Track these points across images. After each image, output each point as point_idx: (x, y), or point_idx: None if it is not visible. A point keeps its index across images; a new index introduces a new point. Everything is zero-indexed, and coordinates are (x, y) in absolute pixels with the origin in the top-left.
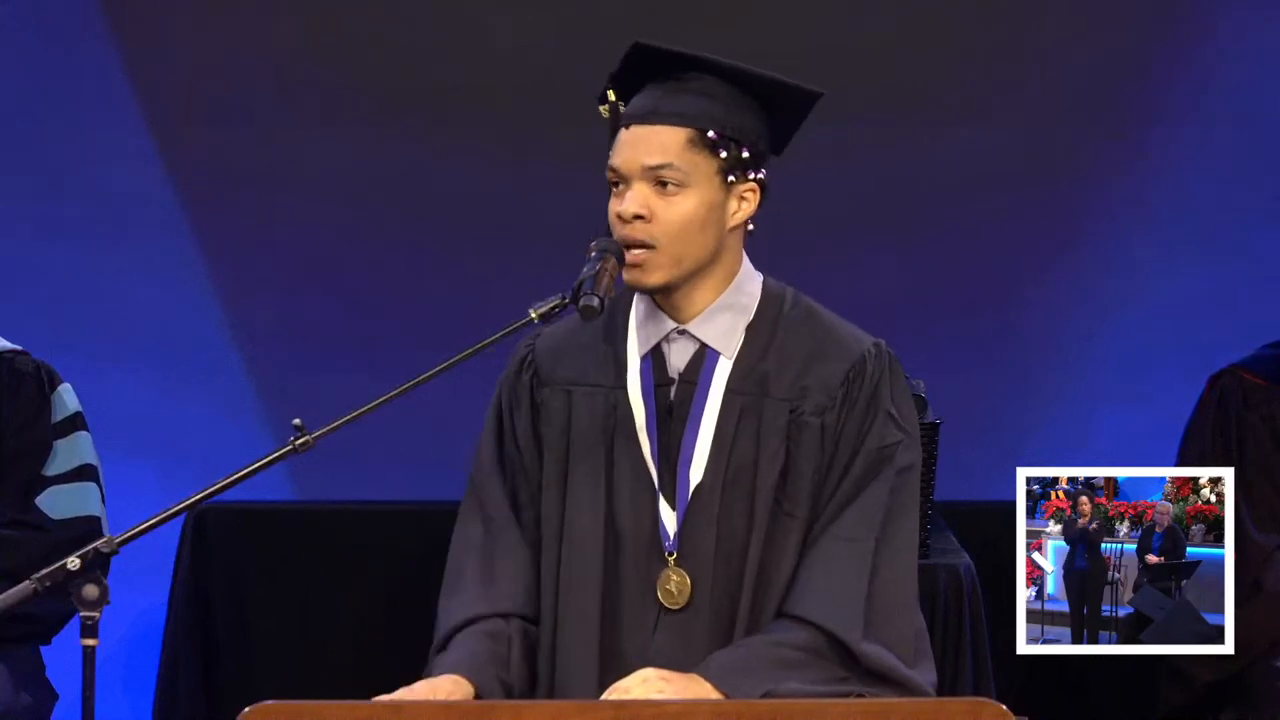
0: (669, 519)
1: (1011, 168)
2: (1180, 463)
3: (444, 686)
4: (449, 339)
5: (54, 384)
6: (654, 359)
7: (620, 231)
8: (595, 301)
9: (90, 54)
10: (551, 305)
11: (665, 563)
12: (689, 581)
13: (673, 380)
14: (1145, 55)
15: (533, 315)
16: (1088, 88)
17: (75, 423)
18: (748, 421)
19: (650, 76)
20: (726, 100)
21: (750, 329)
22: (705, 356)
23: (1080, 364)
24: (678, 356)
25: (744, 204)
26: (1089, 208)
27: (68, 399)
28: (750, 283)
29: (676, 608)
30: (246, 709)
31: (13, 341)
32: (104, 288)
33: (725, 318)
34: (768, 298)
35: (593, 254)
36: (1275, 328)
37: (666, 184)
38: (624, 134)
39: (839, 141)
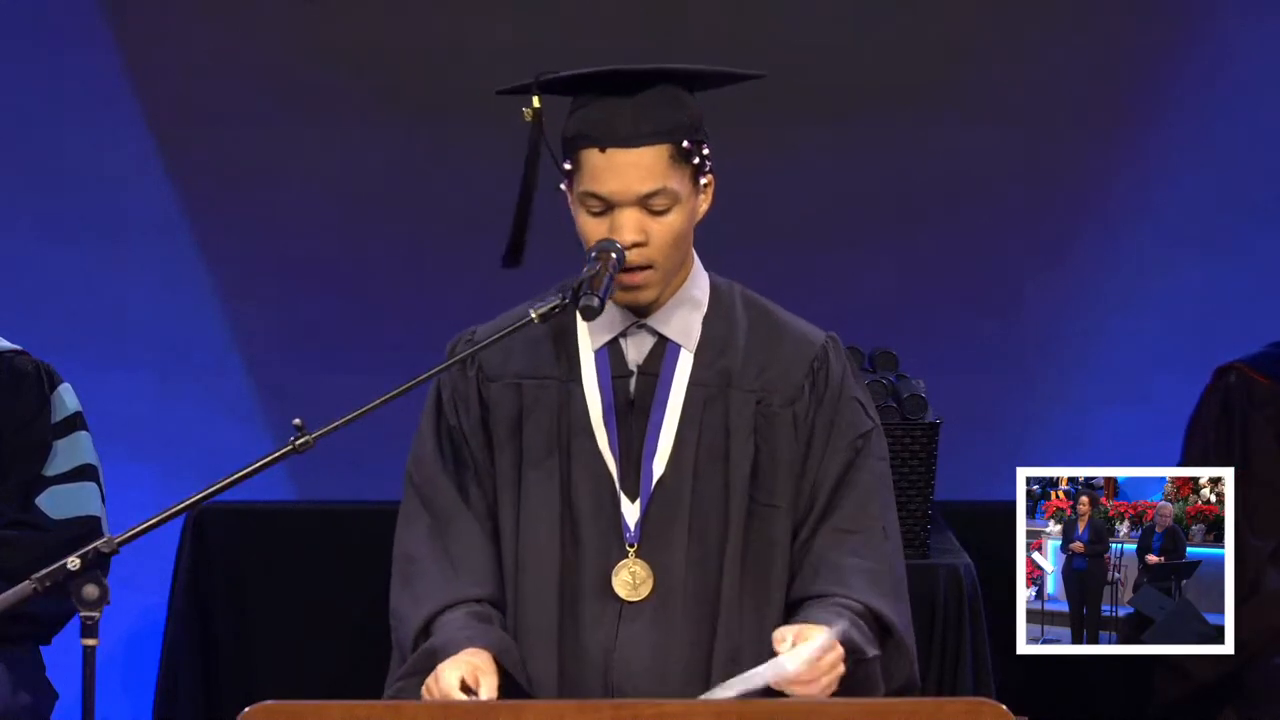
0: (629, 511)
1: (1011, 168)
2: (1184, 457)
3: (465, 660)
4: (449, 339)
5: (54, 384)
6: (610, 352)
7: None
8: (595, 302)
9: (90, 54)
10: (551, 306)
11: (625, 554)
12: (650, 573)
13: (631, 373)
14: (1145, 55)
15: (533, 316)
16: (1088, 88)
17: (75, 423)
18: (714, 413)
19: (606, 92)
20: (686, 104)
21: (706, 322)
22: (666, 349)
23: (1080, 364)
24: (636, 350)
25: (705, 197)
26: (1089, 208)
27: (68, 399)
28: (701, 276)
29: (636, 599)
30: (246, 709)
31: (13, 341)
32: (104, 288)
33: (683, 311)
34: (716, 292)
35: (592, 254)
36: (1275, 328)
37: (658, 206)
38: (600, 158)
39: (839, 141)
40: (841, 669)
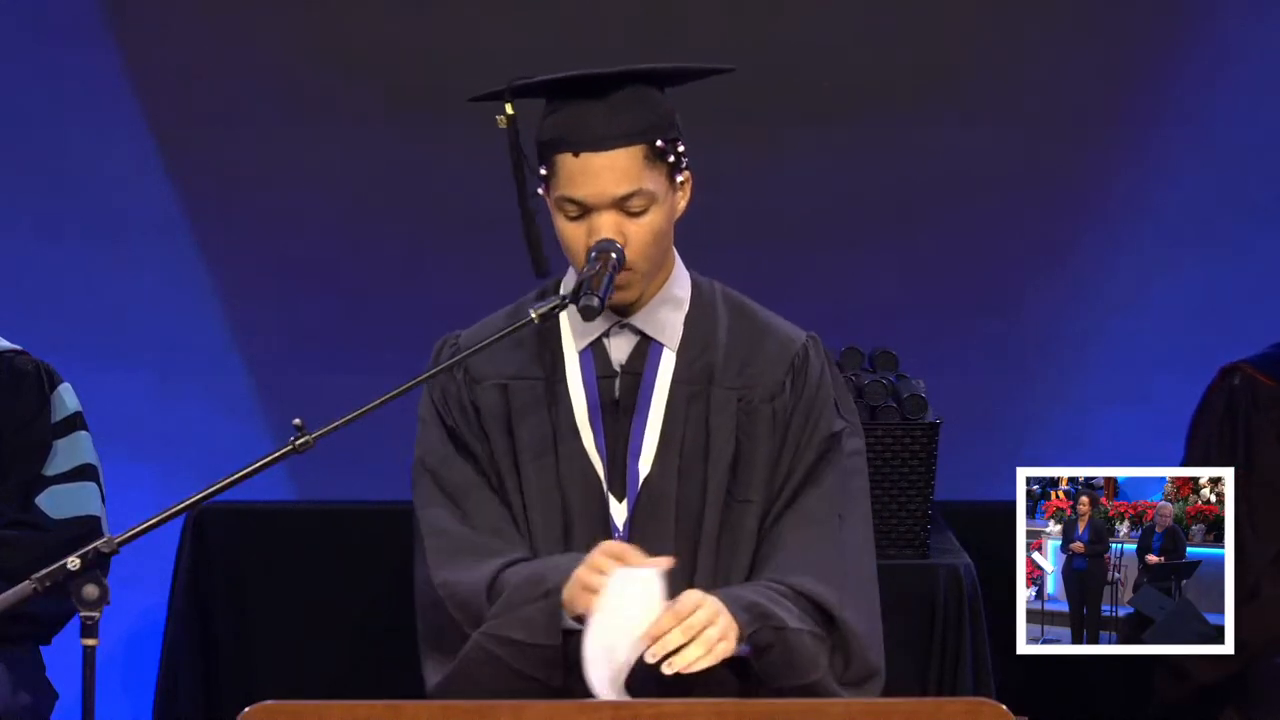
0: (617, 511)
1: (1011, 168)
2: (1187, 456)
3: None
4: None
5: (54, 383)
6: (594, 352)
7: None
8: (595, 301)
9: (90, 54)
10: (551, 306)
11: None
12: None
13: (616, 373)
14: (1145, 55)
15: (533, 316)
16: (1087, 87)
17: (75, 422)
18: (696, 411)
19: (577, 96)
20: (658, 103)
21: (688, 321)
22: (649, 349)
23: (1080, 364)
24: (619, 349)
25: (683, 194)
26: (1089, 208)
27: (67, 399)
28: (682, 275)
29: None
30: (246, 709)
31: (13, 341)
32: (104, 287)
33: (665, 310)
34: (697, 290)
35: (591, 254)
36: (1276, 327)
37: (634, 208)
38: (574, 162)
39: (839, 141)
40: (724, 626)
